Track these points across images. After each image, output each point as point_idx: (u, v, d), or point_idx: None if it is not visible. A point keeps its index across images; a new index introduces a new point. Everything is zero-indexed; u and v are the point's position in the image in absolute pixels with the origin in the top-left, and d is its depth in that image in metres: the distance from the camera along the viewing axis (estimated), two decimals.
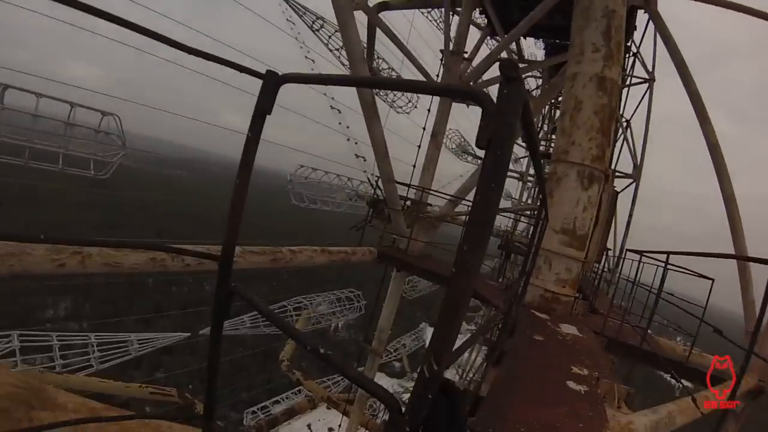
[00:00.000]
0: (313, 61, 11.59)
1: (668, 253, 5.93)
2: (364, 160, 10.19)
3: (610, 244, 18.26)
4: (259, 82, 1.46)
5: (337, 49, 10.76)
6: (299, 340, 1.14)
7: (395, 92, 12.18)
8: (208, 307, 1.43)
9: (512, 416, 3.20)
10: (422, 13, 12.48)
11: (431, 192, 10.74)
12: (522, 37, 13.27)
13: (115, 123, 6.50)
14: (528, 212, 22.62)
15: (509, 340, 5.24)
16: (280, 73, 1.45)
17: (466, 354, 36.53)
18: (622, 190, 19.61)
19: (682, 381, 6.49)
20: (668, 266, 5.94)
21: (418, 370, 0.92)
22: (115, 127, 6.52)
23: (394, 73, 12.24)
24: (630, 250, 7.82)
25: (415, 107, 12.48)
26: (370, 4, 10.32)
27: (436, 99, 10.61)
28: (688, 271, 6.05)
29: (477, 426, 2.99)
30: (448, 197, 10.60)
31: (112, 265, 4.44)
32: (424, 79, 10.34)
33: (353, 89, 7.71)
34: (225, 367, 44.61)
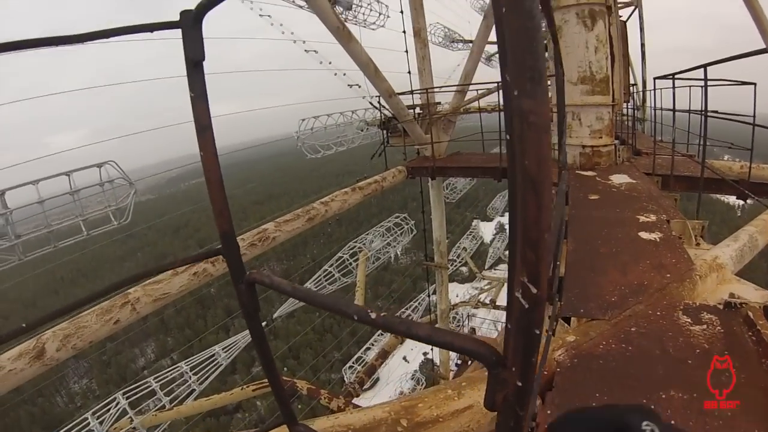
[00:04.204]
0: (269, 16, 11.02)
1: (705, 66, 5.35)
2: (359, 87, 9.83)
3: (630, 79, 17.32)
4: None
5: None
6: (339, 310, 0.92)
7: (363, 10, 11.55)
8: (251, 270, 1.28)
9: (597, 289, 3.04)
10: None
11: (436, 89, 10.26)
12: None
13: (113, 168, 6.49)
14: None
15: (565, 209, 5.02)
16: (193, 8, 1.15)
17: None
18: (628, 18, 18.29)
19: (748, 199, 6.13)
20: (708, 81, 5.39)
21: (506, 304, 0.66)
22: (115, 172, 6.52)
23: None
24: (659, 78, 7.20)
25: (388, 17, 11.80)
26: None
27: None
28: (728, 82, 5.51)
29: (565, 310, 2.84)
30: (454, 89, 10.11)
31: (162, 298, 4.37)
32: None
33: (318, 26, 7.26)
34: (309, 336, 47.34)
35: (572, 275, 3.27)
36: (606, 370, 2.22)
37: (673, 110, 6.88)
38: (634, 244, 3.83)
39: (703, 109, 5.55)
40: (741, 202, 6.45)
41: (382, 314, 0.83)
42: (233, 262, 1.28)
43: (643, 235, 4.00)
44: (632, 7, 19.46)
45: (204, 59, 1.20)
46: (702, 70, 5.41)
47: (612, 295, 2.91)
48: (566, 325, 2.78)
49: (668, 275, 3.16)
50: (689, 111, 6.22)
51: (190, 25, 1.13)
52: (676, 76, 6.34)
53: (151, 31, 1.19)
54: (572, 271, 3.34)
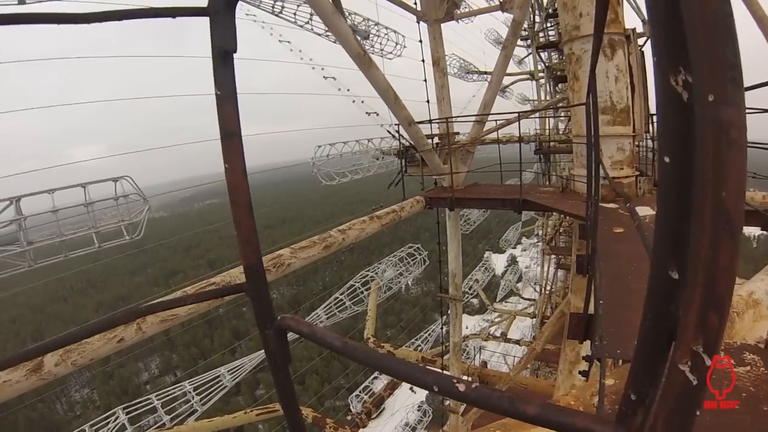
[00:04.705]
0: (289, 42, 11.17)
1: None
2: (377, 115, 9.81)
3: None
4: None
5: (307, 22, 10.24)
6: (412, 377, 0.73)
7: (381, 40, 11.63)
8: (283, 314, 1.09)
9: (632, 329, 2.79)
10: None
11: (455, 119, 10.15)
12: None
13: (129, 183, 6.55)
14: (552, 108, 21.83)
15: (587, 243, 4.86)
16: None
17: (538, 268, 36.20)
18: (642, 45, 18.25)
19: None
20: None
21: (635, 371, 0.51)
22: (130, 187, 6.56)
23: (371, 23, 11.64)
24: None
25: (405, 47, 11.89)
26: None
27: (425, 29, 9.96)
28: (752, 110, 5.36)
29: (601, 351, 2.65)
30: (473, 119, 10.03)
31: (170, 319, 4.23)
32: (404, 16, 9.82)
33: (336, 54, 7.24)
34: (317, 364, 46.76)
35: (605, 313, 3.10)
36: None
37: None
38: None
39: None
40: (756, 233, 6.26)
41: (473, 385, 0.65)
42: (260, 302, 1.09)
43: None
44: (645, 38, 19.50)
45: (235, 50, 1.04)
46: None
47: None
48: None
49: None
50: None
51: (221, 10, 0.99)
52: None
53: (174, 17, 1.04)
54: (605, 309, 3.17)
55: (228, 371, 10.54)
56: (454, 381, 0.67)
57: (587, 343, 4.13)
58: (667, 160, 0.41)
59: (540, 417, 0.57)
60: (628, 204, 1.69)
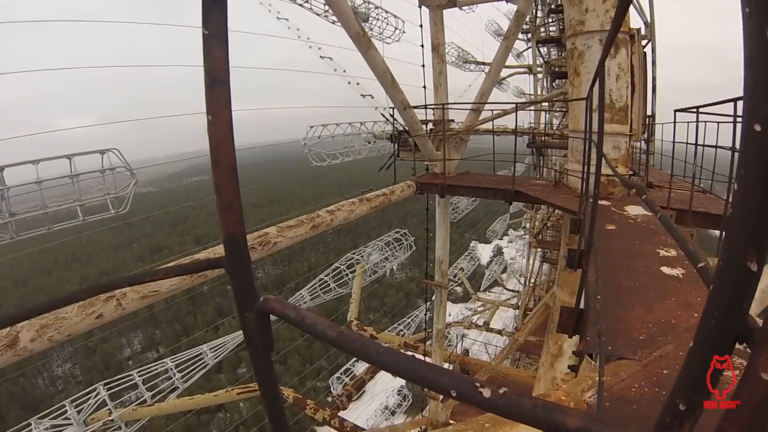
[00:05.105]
0: (287, 19, 10.99)
1: (734, 100, 5.16)
2: (372, 97, 9.69)
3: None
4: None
5: (307, 0, 10.03)
6: (421, 377, 0.62)
7: (380, 23, 11.45)
8: (267, 295, 0.94)
9: (624, 326, 2.83)
10: None
11: (451, 105, 10.07)
12: None
13: (116, 156, 6.39)
14: (546, 104, 21.81)
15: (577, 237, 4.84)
16: None
17: (523, 260, 36.49)
18: (645, 46, 18.18)
19: None
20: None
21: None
22: (117, 160, 6.40)
23: (371, 6, 11.44)
24: (680, 110, 6.99)
25: (404, 32, 11.71)
26: None
27: (426, 13, 9.81)
28: None
29: (592, 347, 2.63)
30: (470, 106, 9.92)
31: (151, 295, 4.14)
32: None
33: (334, 35, 7.11)
34: (299, 344, 46.84)
35: (597, 309, 3.09)
36: (641, 417, 2.04)
37: (696, 144, 6.67)
38: (657, 279, 3.61)
39: (732, 144, 5.35)
40: None
41: (501, 390, 0.54)
42: (241, 280, 0.93)
43: (665, 270, 3.79)
44: (646, 41, 19.47)
45: None
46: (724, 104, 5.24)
47: (640, 333, 2.71)
48: (593, 362, 2.59)
49: (695, 314, 2.95)
50: (716, 146, 6.04)
51: None
52: (700, 110, 6.17)
53: None
54: (602, 305, 3.15)
55: (210, 349, 10.47)
56: (477, 385, 0.56)
57: (574, 337, 4.14)
58: (757, 128, 0.34)
59: (582, 430, 0.48)
60: (643, 196, 1.63)
